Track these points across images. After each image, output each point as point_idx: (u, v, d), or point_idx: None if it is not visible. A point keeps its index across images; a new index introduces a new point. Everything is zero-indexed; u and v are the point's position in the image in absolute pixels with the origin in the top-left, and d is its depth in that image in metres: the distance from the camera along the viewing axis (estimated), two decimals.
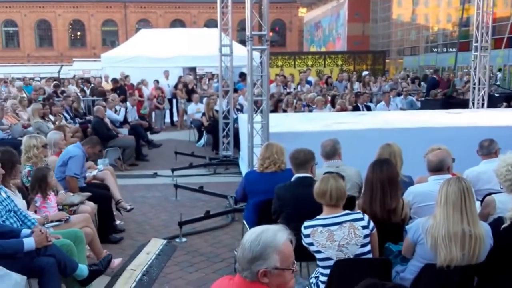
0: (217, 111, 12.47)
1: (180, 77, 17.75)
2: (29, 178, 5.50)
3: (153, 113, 16.91)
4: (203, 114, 13.42)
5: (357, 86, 18.32)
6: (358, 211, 3.78)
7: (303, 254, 3.63)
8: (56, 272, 4.15)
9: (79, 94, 15.54)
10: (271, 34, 8.59)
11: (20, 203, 4.85)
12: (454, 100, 15.26)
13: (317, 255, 3.62)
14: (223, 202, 7.94)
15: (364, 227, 3.61)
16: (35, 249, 4.08)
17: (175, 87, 17.03)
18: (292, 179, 4.61)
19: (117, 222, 6.84)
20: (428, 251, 3.50)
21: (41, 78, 23.98)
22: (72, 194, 5.91)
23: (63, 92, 16.43)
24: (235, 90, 13.59)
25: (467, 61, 21.42)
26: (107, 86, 16.93)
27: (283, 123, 9.11)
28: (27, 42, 52.27)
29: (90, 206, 5.84)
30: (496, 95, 15.81)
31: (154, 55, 18.83)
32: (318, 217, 3.70)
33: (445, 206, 3.44)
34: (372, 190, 4.03)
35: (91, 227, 5.36)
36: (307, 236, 3.62)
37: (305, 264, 4.82)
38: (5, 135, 9.52)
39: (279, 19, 54.66)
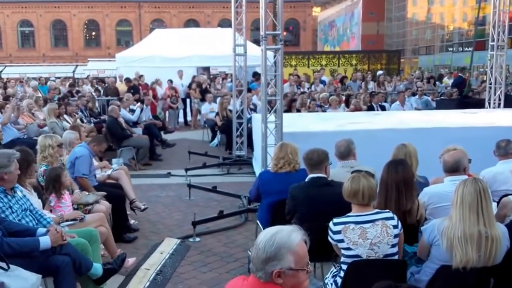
0: (230, 110, 12.48)
1: (194, 77, 17.78)
2: (45, 177, 5.54)
3: (167, 113, 16.95)
4: (217, 113, 13.45)
5: (371, 85, 18.22)
6: (387, 210, 3.74)
7: (317, 255, 3.62)
8: (71, 271, 4.17)
9: (94, 94, 15.62)
10: (285, 33, 8.58)
11: (36, 202, 4.88)
12: (470, 100, 15.11)
13: (346, 252, 3.59)
14: (237, 202, 7.95)
15: (394, 227, 3.59)
16: (50, 248, 4.10)
17: (189, 86, 17.07)
18: (306, 179, 4.59)
19: (131, 221, 6.86)
20: (443, 252, 3.47)
21: (56, 78, 24.15)
22: (87, 193, 5.95)
23: (77, 92, 16.54)
24: (249, 90, 13.59)
25: (483, 61, 21.25)
26: (121, 86, 17.01)
27: (297, 123, 9.08)
28: (43, 42, 52.71)
29: (105, 206, 5.87)
30: None
31: (168, 55, 18.89)
32: (349, 214, 3.67)
33: (461, 207, 3.41)
34: (387, 191, 4.00)
35: (106, 226, 5.39)
36: (337, 232, 3.60)
37: (319, 264, 4.80)
38: (20, 135, 9.59)
39: (293, 18, 54.52)
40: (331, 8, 53.91)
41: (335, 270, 3.85)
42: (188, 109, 17.62)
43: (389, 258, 3.56)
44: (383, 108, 13.19)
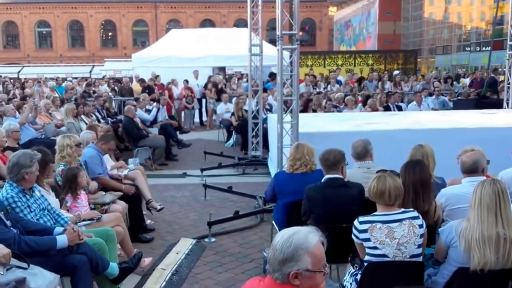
0: (246, 111, 12.48)
1: (209, 77, 17.81)
2: (62, 177, 5.58)
3: (183, 113, 17.01)
4: (232, 114, 13.46)
5: (388, 85, 18.11)
6: (412, 209, 3.70)
7: (333, 256, 3.60)
8: (88, 270, 4.20)
9: (110, 94, 15.73)
10: (300, 33, 8.56)
11: (54, 201, 4.93)
12: (487, 100, 14.96)
13: (372, 251, 3.56)
14: (252, 203, 7.94)
15: (420, 226, 3.56)
16: (67, 247, 4.13)
17: (205, 87, 17.11)
18: (323, 180, 4.57)
19: (148, 221, 6.88)
20: (461, 254, 3.43)
21: (73, 78, 24.38)
22: (103, 193, 5.99)
23: (93, 92, 16.66)
24: (265, 90, 13.58)
25: (501, 60, 20.99)
26: (137, 86, 17.10)
27: (313, 123, 9.05)
28: (60, 43, 53.23)
29: (121, 206, 5.90)
30: None
31: (184, 55, 18.93)
32: (375, 213, 3.64)
33: (479, 208, 3.38)
34: (405, 192, 3.95)
35: (122, 226, 5.42)
36: (363, 231, 3.57)
37: (335, 266, 4.78)
38: (38, 134, 9.68)
39: (309, 18, 54.43)
40: (347, 7, 53.70)
41: (353, 270, 3.82)
42: (203, 109, 17.66)
43: (408, 259, 3.53)
44: (399, 108, 13.10)
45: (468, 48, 37.19)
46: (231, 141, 13.52)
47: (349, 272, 3.88)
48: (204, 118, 17.69)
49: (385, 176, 3.64)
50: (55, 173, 5.74)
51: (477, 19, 37.03)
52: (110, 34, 55.20)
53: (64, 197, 5.33)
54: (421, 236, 3.55)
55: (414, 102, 13.56)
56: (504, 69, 15.40)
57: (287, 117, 7.82)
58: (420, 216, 3.62)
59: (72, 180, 5.32)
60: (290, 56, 7.86)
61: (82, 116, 10.89)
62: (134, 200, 6.43)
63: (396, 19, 44.76)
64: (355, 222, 3.63)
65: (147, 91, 15.34)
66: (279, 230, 5.17)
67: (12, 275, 3.46)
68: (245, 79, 18.04)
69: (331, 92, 15.78)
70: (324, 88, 17.65)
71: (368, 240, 3.55)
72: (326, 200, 4.38)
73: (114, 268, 4.49)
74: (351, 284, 3.73)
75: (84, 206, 5.38)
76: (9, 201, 4.28)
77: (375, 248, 3.54)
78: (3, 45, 53.00)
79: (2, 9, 51.72)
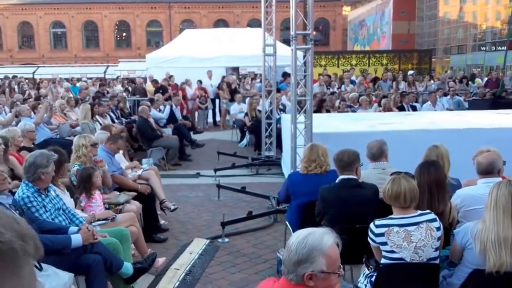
0: (259, 111, 12.47)
1: (223, 77, 17.83)
2: (77, 177, 5.62)
3: (196, 113, 17.04)
4: (246, 114, 13.46)
5: (402, 85, 17.99)
6: (429, 211, 3.66)
7: (348, 257, 3.58)
8: (103, 270, 4.23)
9: (124, 94, 15.80)
10: (314, 33, 8.50)
11: (69, 201, 4.96)
12: (503, 100, 14.80)
13: (389, 255, 3.54)
14: (265, 203, 7.93)
15: (437, 229, 3.53)
16: (82, 246, 4.16)
17: (218, 87, 17.13)
18: (337, 181, 4.55)
19: (162, 222, 6.90)
20: (476, 256, 3.40)
21: (88, 79, 24.54)
22: (118, 193, 6.02)
23: (107, 92, 16.75)
24: (278, 90, 13.57)
25: None
26: (150, 86, 17.17)
27: (327, 123, 9.02)
28: (74, 43, 53.60)
29: (136, 206, 5.93)
30: None
31: (198, 55, 18.97)
32: (391, 216, 3.61)
33: (495, 210, 3.35)
34: (420, 193, 3.93)
35: (137, 226, 5.44)
36: (380, 235, 3.55)
37: (349, 267, 4.76)
38: (53, 134, 9.76)
39: (322, 18, 54.25)
40: (362, 7, 53.50)
41: (368, 272, 3.80)
42: (217, 109, 17.69)
43: (424, 262, 3.51)
44: (414, 109, 13.02)
45: (484, 48, 36.85)
46: (244, 141, 13.52)
47: (363, 274, 3.86)
48: (218, 118, 17.70)
49: (400, 179, 3.60)
50: (70, 173, 5.79)
51: (492, 18, 36.69)
52: (124, 34, 55.47)
53: (79, 197, 5.36)
54: (439, 239, 3.52)
55: (429, 102, 13.46)
56: None
57: (301, 117, 7.80)
58: (437, 218, 3.58)
59: (86, 180, 5.36)
60: (304, 56, 7.85)
61: (97, 116, 10.95)
62: (148, 200, 6.46)
63: (410, 18, 44.49)
64: (371, 226, 3.60)
65: (160, 91, 15.40)
66: (293, 230, 5.16)
67: None
68: (258, 79, 18.04)
69: (345, 92, 15.72)
70: (338, 88, 17.60)
71: (385, 244, 3.53)
72: (340, 201, 4.36)
73: (128, 267, 4.52)
74: (365, 285, 3.71)
75: (98, 205, 5.41)
76: (25, 200, 4.32)
77: (392, 252, 3.51)
78: (18, 46, 53.50)
79: (18, 10, 52.25)
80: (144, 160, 8.24)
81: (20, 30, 53.46)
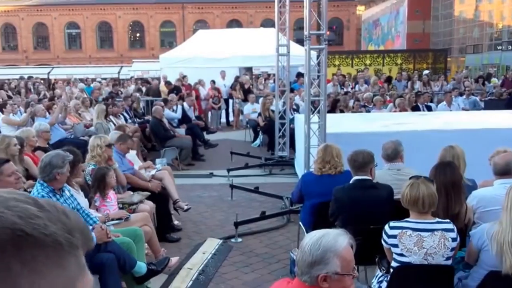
0: (273, 111, 12.45)
1: (236, 77, 17.84)
2: (91, 177, 5.65)
3: (209, 113, 17.07)
4: (259, 114, 13.44)
5: (417, 85, 17.86)
6: (448, 220, 3.60)
7: (362, 258, 3.56)
8: (116, 268, 4.25)
9: (137, 94, 15.87)
10: (328, 33, 8.44)
11: (83, 201, 4.98)
12: None
13: (398, 258, 3.52)
14: (279, 203, 7.91)
15: (453, 239, 3.47)
16: (95, 245, 4.17)
17: (232, 87, 17.14)
18: (351, 181, 4.52)
19: (175, 222, 6.90)
20: (493, 258, 3.36)
21: (103, 79, 24.69)
22: (131, 193, 6.04)
23: (120, 92, 16.83)
24: (291, 90, 13.53)
25: None
26: (164, 87, 17.21)
27: (341, 123, 8.97)
28: (89, 44, 53.92)
29: (149, 205, 5.94)
30: None
31: (211, 55, 18.98)
32: (407, 219, 3.57)
33: None
34: None
35: (150, 225, 5.46)
36: (393, 236, 3.52)
37: (363, 268, 4.73)
38: (68, 134, 9.83)
39: (336, 17, 54.01)
40: (376, 6, 53.20)
41: (381, 274, 3.77)
42: (230, 109, 17.69)
43: (439, 262, 3.47)
44: (429, 109, 12.91)
45: (500, 47, 36.47)
46: (257, 142, 13.50)
47: (377, 275, 3.84)
48: (231, 118, 17.71)
49: (419, 183, 3.54)
50: (85, 173, 5.82)
51: (508, 17, 36.29)
52: (138, 35, 55.70)
53: (93, 197, 5.39)
54: (452, 249, 3.47)
55: (444, 102, 13.34)
56: None
57: (315, 118, 7.76)
58: (456, 229, 3.51)
59: (100, 179, 5.38)
60: (318, 56, 7.81)
61: (111, 117, 11.00)
62: (161, 200, 6.47)
63: (425, 18, 44.17)
64: (386, 227, 3.57)
65: (174, 91, 15.45)
66: (306, 231, 5.14)
67: None
68: (272, 79, 18.01)
69: (359, 92, 15.64)
70: (352, 88, 17.52)
71: (396, 246, 3.50)
72: (354, 202, 4.33)
73: (141, 266, 4.54)
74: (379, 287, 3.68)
75: (113, 205, 5.43)
76: None
77: (401, 255, 3.48)
78: (33, 47, 53.98)
79: (33, 11, 52.70)
80: (157, 160, 8.26)
81: (35, 31, 53.91)
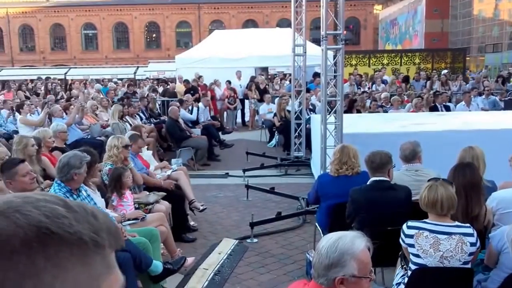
0: (289, 111, 12.42)
1: (252, 77, 17.83)
2: (108, 176, 5.68)
3: (225, 113, 17.08)
4: (275, 114, 13.41)
5: (436, 85, 17.69)
6: (468, 224, 3.53)
7: (379, 260, 3.52)
8: (132, 267, 4.26)
9: (152, 94, 15.93)
10: (345, 32, 8.37)
11: (99, 201, 5.00)
12: None
13: (414, 259, 3.47)
14: (295, 204, 7.87)
15: (472, 244, 3.39)
16: None
17: (248, 87, 17.13)
18: (368, 182, 4.47)
19: (191, 223, 6.90)
20: None
21: (119, 80, 24.87)
22: (147, 193, 6.06)
23: (135, 93, 16.90)
24: (307, 90, 13.48)
25: None
26: (180, 87, 17.28)
27: (357, 123, 8.89)
28: (105, 45, 54.33)
29: (165, 206, 5.95)
30: None
31: (227, 55, 19.02)
32: (425, 220, 3.52)
33: None
34: None
35: (166, 225, 5.47)
36: (410, 236, 3.47)
37: (379, 269, 4.69)
38: (84, 135, 9.90)
39: (353, 17, 53.76)
40: (393, 5, 52.90)
41: (402, 273, 3.73)
42: (246, 110, 17.69)
43: (455, 266, 3.42)
44: (447, 109, 12.76)
45: None
46: (273, 142, 13.48)
47: (397, 274, 3.80)
48: (247, 118, 17.71)
49: (437, 186, 3.48)
50: (102, 172, 5.85)
51: None
52: (154, 35, 55.99)
53: (110, 196, 5.42)
54: (471, 254, 3.39)
55: (463, 102, 13.18)
56: None
57: (331, 118, 7.71)
58: (475, 234, 3.44)
59: (117, 179, 5.41)
60: (335, 56, 7.76)
61: (127, 117, 11.05)
62: (177, 200, 6.48)
63: (443, 16, 43.77)
64: (404, 226, 3.53)
65: (191, 92, 15.50)
66: (323, 232, 5.11)
67: None
68: (288, 79, 17.98)
69: (376, 92, 15.54)
70: (369, 88, 17.42)
71: (412, 246, 3.46)
72: (372, 203, 4.29)
73: (157, 265, 4.55)
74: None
75: (129, 205, 5.45)
76: None
77: (417, 256, 3.44)
78: (50, 47, 54.54)
79: (50, 12, 53.27)
80: (173, 161, 8.27)
81: (52, 32, 54.48)
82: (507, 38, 38.13)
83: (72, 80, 28.56)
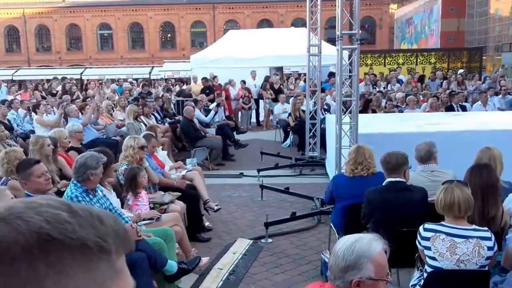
0: (303, 111, 12.39)
1: (266, 77, 17.81)
2: (124, 176, 5.72)
3: (239, 113, 17.10)
4: (289, 114, 13.39)
5: (452, 85, 17.53)
6: (486, 228, 3.49)
7: (394, 261, 3.49)
8: (147, 267, 4.28)
9: (167, 94, 15.98)
10: (360, 32, 8.30)
11: (115, 201, 5.04)
12: None
13: (430, 262, 3.44)
14: (309, 204, 7.85)
15: (489, 248, 3.36)
16: None
17: (262, 87, 17.12)
18: (384, 183, 4.45)
19: (206, 223, 6.91)
20: None
21: (134, 80, 24.99)
22: (162, 193, 6.08)
23: (149, 93, 16.97)
24: (322, 90, 13.44)
25: None
26: (196, 87, 17.31)
27: (373, 123, 8.84)
28: (121, 45, 54.58)
29: (180, 206, 5.96)
30: None
31: (241, 55, 19.02)
32: (442, 222, 3.49)
33: None
34: None
35: (181, 225, 5.48)
36: (426, 239, 3.45)
37: (395, 270, 4.65)
38: (100, 135, 9.96)
39: (368, 16, 53.46)
40: (409, 4, 52.47)
41: (417, 275, 3.71)
42: (261, 109, 17.68)
43: (471, 268, 3.38)
44: (463, 109, 12.64)
45: None
46: (288, 142, 13.46)
47: (414, 276, 3.78)
48: (261, 118, 17.70)
49: (453, 188, 3.44)
50: (117, 172, 5.89)
51: None
52: (169, 35, 56.14)
53: (126, 195, 5.45)
54: (488, 258, 3.35)
55: (479, 102, 13.05)
56: None
57: (346, 118, 7.68)
58: (493, 238, 3.40)
59: (132, 179, 5.45)
60: (350, 56, 7.72)
61: (141, 117, 11.09)
62: (192, 200, 6.49)
63: (460, 15, 43.31)
64: (420, 228, 3.50)
65: (207, 91, 15.52)
66: (337, 232, 5.10)
67: None
68: (302, 79, 17.93)
69: (392, 92, 15.44)
70: (384, 88, 17.31)
71: (428, 249, 3.43)
72: (387, 204, 4.26)
73: (172, 265, 4.57)
74: None
75: (144, 204, 5.48)
76: (73, 200, 4.41)
77: (433, 259, 3.41)
78: (66, 47, 54.96)
79: (66, 13, 53.68)
80: (188, 160, 8.30)
81: (68, 32, 54.88)
82: None
83: (88, 80, 28.77)
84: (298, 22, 44.83)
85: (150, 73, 33.75)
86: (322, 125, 11.14)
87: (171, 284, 4.70)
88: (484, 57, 33.56)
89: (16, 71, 35.88)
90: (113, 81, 22.09)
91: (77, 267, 0.69)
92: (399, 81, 18.05)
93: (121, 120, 11.18)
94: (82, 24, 54.12)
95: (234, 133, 13.54)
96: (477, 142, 5.06)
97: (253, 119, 17.68)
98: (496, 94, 14.76)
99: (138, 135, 6.99)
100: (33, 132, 9.90)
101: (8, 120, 10.69)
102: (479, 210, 3.76)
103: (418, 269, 3.78)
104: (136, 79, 25.73)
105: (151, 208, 5.56)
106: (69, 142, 7.20)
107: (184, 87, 19.28)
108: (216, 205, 7.06)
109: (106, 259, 0.72)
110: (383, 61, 25.49)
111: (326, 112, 12.38)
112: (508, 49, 38.97)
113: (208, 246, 6.33)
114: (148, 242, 4.50)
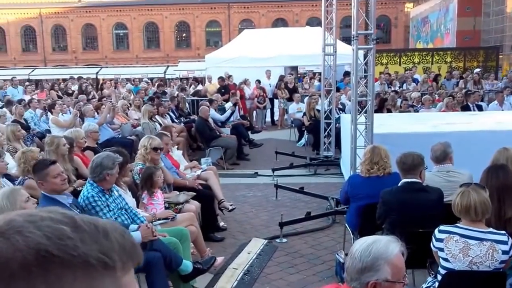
0: (318, 110, 12.35)
1: (281, 77, 17.79)
2: (140, 176, 5.75)
3: (254, 113, 17.10)
4: (304, 113, 13.36)
5: (469, 84, 17.35)
6: (503, 232, 3.45)
7: (409, 262, 3.46)
8: (163, 266, 4.30)
9: (181, 93, 16.03)
10: (375, 31, 8.26)
11: (130, 201, 5.07)
12: None
13: (443, 263, 3.42)
14: (324, 203, 7.82)
15: (504, 252, 3.32)
16: (141, 244, 4.23)
17: (277, 86, 17.11)
18: (399, 184, 4.42)
19: (221, 224, 6.91)
20: None
21: (149, 79, 25.11)
22: (177, 193, 6.10)
23: (164, 92, 17.03)
24: (337, 89, 13.38)
25: None
26: (211, 86, 17.34)
27: (388, 123, 8.79)
28: (136, 44, 54.79)
29: (195, 205, 5.98)
30: None
31: (256, 55, 19.01)
32: (458, 224, 3.46)
33: None
34: None
35: (196, 225, 5.49)
36: (440, 240, 3.43)
37: (410, 271, 4.63)
38: (115, 134, 10.02)
39: (384, 15, 53.16)
40: (425, 3, 51.97)
41: (430, 279, 3.68)
42: (275, 109, 17.67)
43: (486, 270, 3.35)
44: (479, 108, 12.51)
45: None
46: (302, 141, 13.42)
47: (427, 281, 3.75)
48: (276, 117, 17.68)
49: (469, 191, 3.40)
50: (133, 172, 5.93)
51: None
52: (184, 35, 56.25)
53: (141, 194, 5.49)
54: (502, 262, 3.31)
55: (496, 101, 12.91)
56: None
57: (361, 118, 7.64)
58: (510, 242, 3.35)
59: (147, 178, 5.48)
60: (365, 56, 7.68)
61: (157, 117, 11.13)
62: (207, 200, 6.51)
63: (476, 14, 42.84)
64: (436, 230, 3.48)
65: (223, 90, 15.54)
66: (352, 233, 5.08)
67: None
68: (317, 78, 17.88)
69: (407, 91, 15.33)
70: (399, 87, 17.20)
71: (442, 250, 3.41)
72: (403, 205, 4.24)
73: (187, 265, 4.58)
74: None
75: (160, 204, 5.51)
76: (90, 200, 4.46)
77: (446, 260, 3.38)
78: (82, 47, 55.33)
79: (82, 13, 54.02)
80: (202, 160, 8.31)
81: (84, 32, 55.21)
82: None
83: (103, 79, 28.93)
84: (313, 21, 44.70)
85: (165, 72, 33.88)
86: (337, 125, 11.10)
87: (186, 283, 4.71)
88: (500, 56, 33.21)
89: (33, 71, 36.27)
90: (128, 80, 22.19)
91: (78, 285, 0.66)
92: (415, 81, 17.92)
93: (136, 119, 11.23)
94: (98, 24, 54.43)
95: (249, 132, 13.53)
96: (494, 142, 5.02)
97: (268, 119, 17.68)
98: None
99: (153, 134, 7.02)
100: (49, 131, 9.99)
101: (25, 120, 10.80)
102: (495, 211, 3.72)
103: (430, 274, 3.75)
104: (151, 79, 25.84)
105: (166, 208, 5.59)
106: (85, 142, 7.25)
107: (200, 87, 19.29)
108: (231, 205, 7.07)
109: (110, 275, 0.70)
110: (398, 60, 25.29)
111: (341, 112, 12.33)
112: None
113: (222, 245, 6.34)
114: (163, 242, 4.52)
